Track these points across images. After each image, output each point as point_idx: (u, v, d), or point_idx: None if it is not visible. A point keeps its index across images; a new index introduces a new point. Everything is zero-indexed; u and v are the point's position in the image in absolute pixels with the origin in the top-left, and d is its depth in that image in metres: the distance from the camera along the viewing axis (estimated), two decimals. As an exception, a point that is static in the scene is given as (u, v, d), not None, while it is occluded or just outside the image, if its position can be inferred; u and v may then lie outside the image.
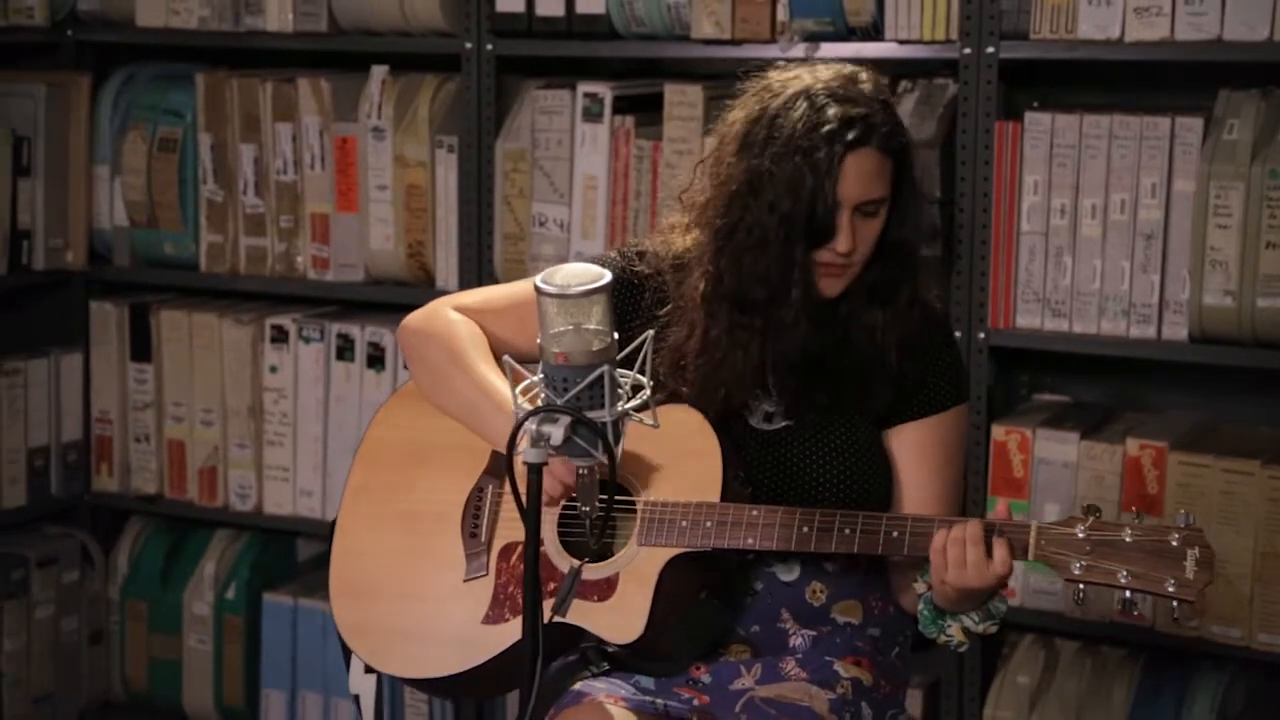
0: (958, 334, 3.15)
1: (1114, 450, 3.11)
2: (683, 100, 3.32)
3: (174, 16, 3.70)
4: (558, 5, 3.36)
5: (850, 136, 2.26)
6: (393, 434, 2.51)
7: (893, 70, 3.24)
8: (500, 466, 2.39)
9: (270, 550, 3.87)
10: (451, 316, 2.47)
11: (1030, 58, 3.10)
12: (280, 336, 3.71)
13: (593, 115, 3.38)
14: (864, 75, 2.35)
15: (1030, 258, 3.12)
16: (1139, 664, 3.18)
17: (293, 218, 3.67)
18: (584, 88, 3.39)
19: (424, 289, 3.55)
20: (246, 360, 3.75)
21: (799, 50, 3.22)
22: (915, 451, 2.39)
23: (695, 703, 2.26)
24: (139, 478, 3.90)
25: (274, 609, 3.79)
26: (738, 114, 2.34)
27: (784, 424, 2.38)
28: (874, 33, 3.18)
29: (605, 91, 3.37)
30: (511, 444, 1.92)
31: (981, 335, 3.17)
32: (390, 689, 2.80)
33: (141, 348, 3.86)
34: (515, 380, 1.97)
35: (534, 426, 1.90)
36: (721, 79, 3.37)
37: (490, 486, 2.42)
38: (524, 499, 1.92)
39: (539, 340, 1.95)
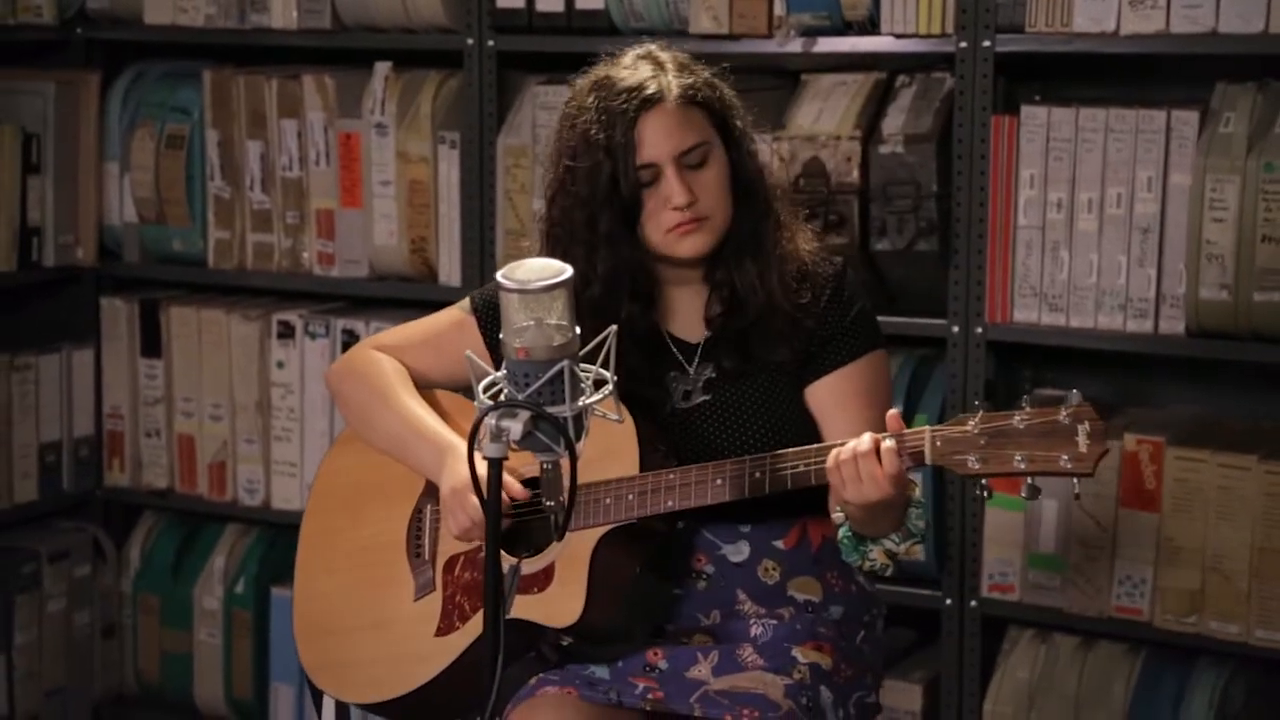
0: (955, 329, 3.16)
1: (1111, 445, 3.09)
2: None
3: (181, 14, 3.73)
4: (558, 1, 3.37)
5: (639, 99, 2.35)
6: (337, 479, 2.59)
7: (890, 64, 3.26)
8: (435, 489, 2.44)
9: (279, 545, 3.89)
10: (372, 355, 2.56)
11: (1026, 51, 3.09)
12: (287, 332, 3.73)
13: (593, 111, 3.38)
14: (655, 48, 2.46)
15: (1027, 252, 3.11)
16: (1138, 659, 3.16)
17: (298, 214, 3.69)
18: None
19: (427, 284, 3.57)
20: (254, 356, 3.78)
21: (796, 44, 3.22)
22: (835, 401, 2.42)
23: (650, 695, 2.28)
24: (150, 472, 3.93)
25: (282, 603, 3.81)
26: (556, 130, 2.46)
27: (702, 399, 2.43)
28: (870, 26, 3.18)
29: (605, 87, 3.37)
30: (472, 439, 1.93)
31: (979, 330, 3.16)
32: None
33: (151, 343, 3.89)
34: (477, 376, 1.98)
35: (494, 421, 1.90)
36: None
37: (428, 507, 2.49)
38: (484, 494, 1.93)
39: (501, 335, 1.96)
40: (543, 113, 3.43)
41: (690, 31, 3.28)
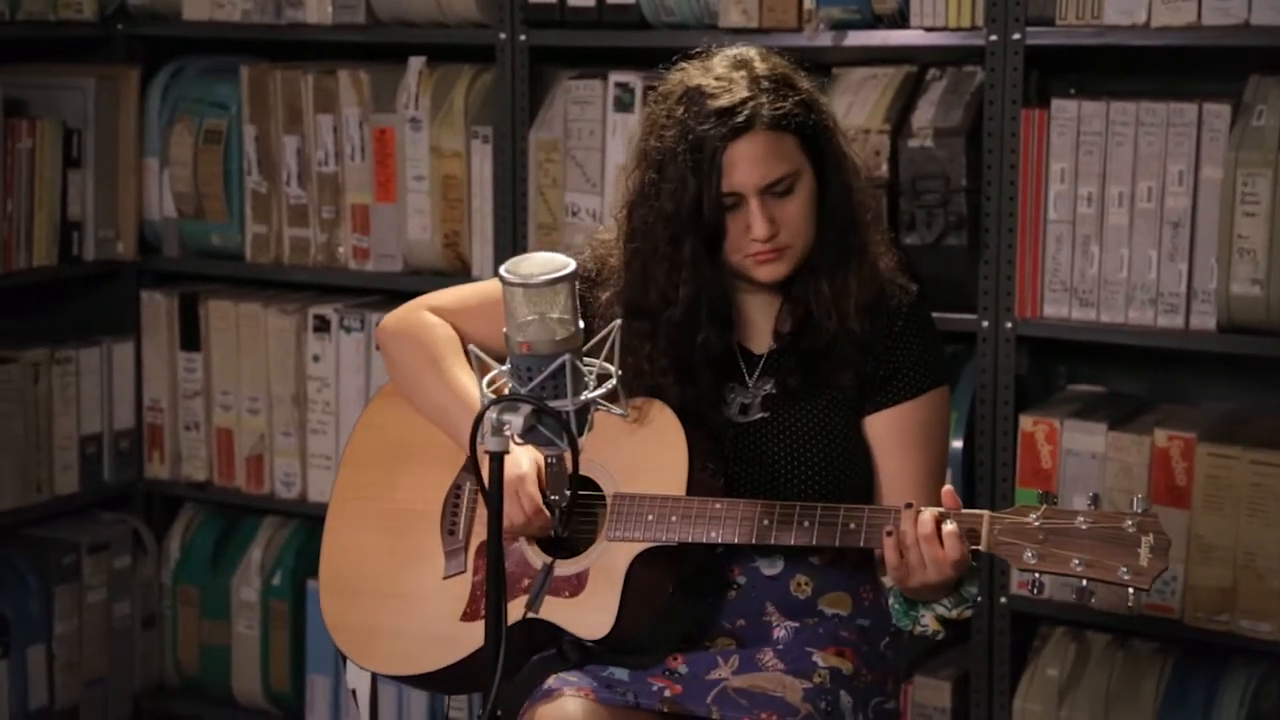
0: (984, 323, 3.14)
1: (1142, 441, 3.07)
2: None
3: (218, 10, 3.76)
4: (589, -5, 3.38)
5: (729, 127, 2.27)
6: (377, 433, 2.55)
7: (923, 58, 3.24)
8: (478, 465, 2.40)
9: (315, 538, 3.84)
10: (426, 319, 2.51)
11: (1056, 44, 3.06)
12: (322, 326, 3.75)
13: (624, 105, 3.39)
14: (755, 56, 2.36)
15: (1057, 246, 3.09)
16: (1170, 658, 3.14)
17: (334, 208, 3.71)
18: (615, 77, 3.39)
19: (461, 278, 3.56)
20: (290, 350, 3.80)
21: (826, 39, 3.21)
22: (892, 437, 2.38)
23: (666, 693, 2.26)
24: (189, 465, 3.96)
25: (319, 597, 3.82)
26: (641, 126, 2.39)
27: (759, 416, 2.39)
28: (900, 20, 3.16)
29: (636, 81, 3.38)
30: (475, 432, 1.93)
31: (1009, 325, 3.14)
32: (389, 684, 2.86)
33: (190, 337, 3.92)
34: (481, 371, 1.98)
35: (495, 415, 1.91)
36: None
37: (468, 484, 2.45)
38: (488, 489, 1.93)
39: (504, 330, 1.96)
40: (574, 107, 3.43)
41: (720, 25, 3.27)
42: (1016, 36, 3.06)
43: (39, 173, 3.74)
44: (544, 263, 1.94)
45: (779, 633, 2.34)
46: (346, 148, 3.67)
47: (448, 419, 2.40)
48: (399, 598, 2.43)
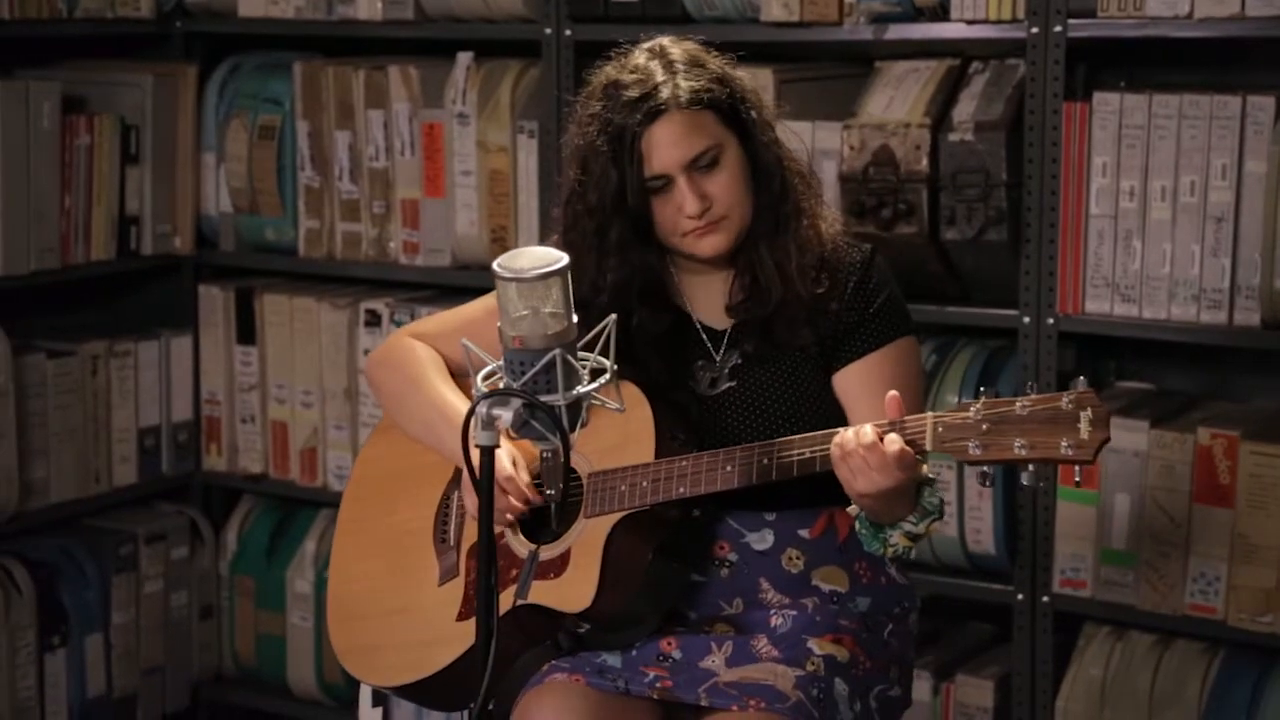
0: (1026, 319, 3.11)
1: (1185, 439, 3.03)
2: (753, 83, 3.29)
3: (273, 6, 3.79)
4: (633, -11, 3.38)
5: (643, 113, 2.32)
6: (374, 468, 2.62)
7: (968, 50, 3.21)
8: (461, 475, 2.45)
9: (368, 530, 3.93)
10: (407, 343, 2.59)
11: (1098, 36, 3.02)
12: (374, 320, 3.78)
13: (667, 99, 3.37)
14: (667, 42, 2.42)
15: (1099, 241, 3.05)
16: (1214, 659, 3.09)
17: (384, 203, 3.73)
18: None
19: (508, 273, 3.58)
20: (343, 343, 3.83)
21: (866, 32, 3.18)
22: (861, 389, 2.39)
23: (658, 684, 2.27)
24: (246, 457, 4.00)
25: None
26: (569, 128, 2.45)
27: (727, 386, 2.42)
28: (941, 13, 3.13)
29: (679, 75, 3.36)
30: (467, 425, 1.94)
31: (1050, 321, 3.10)
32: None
33: (246, 331, 3.96)
34: (475, 366, 1.98)
35: (486, 410, 1.91)
36: (792, 62, 3.36)
37: (455, 494, 2.50)
38: (477, 482, 1.94)
39: (499, 325, 1.97)
40: (618, 102, 3.43)
41: (761, 19, 3.26)
42: (1058, 29, 3.03)
43: (98, 168, 3.79)
44: (537, 257, 1.95)
45: (776, 620, 2.35)
46: (396, 143, 3.70)
47: (433, 434, 2.46)
48: (399, 613, 2.48)
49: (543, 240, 3.51)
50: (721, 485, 2.28)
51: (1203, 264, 2.97)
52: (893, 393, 2.22)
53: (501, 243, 3.59)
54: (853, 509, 2.29)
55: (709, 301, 2.46)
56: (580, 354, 1.96)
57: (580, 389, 1.94)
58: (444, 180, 3.64)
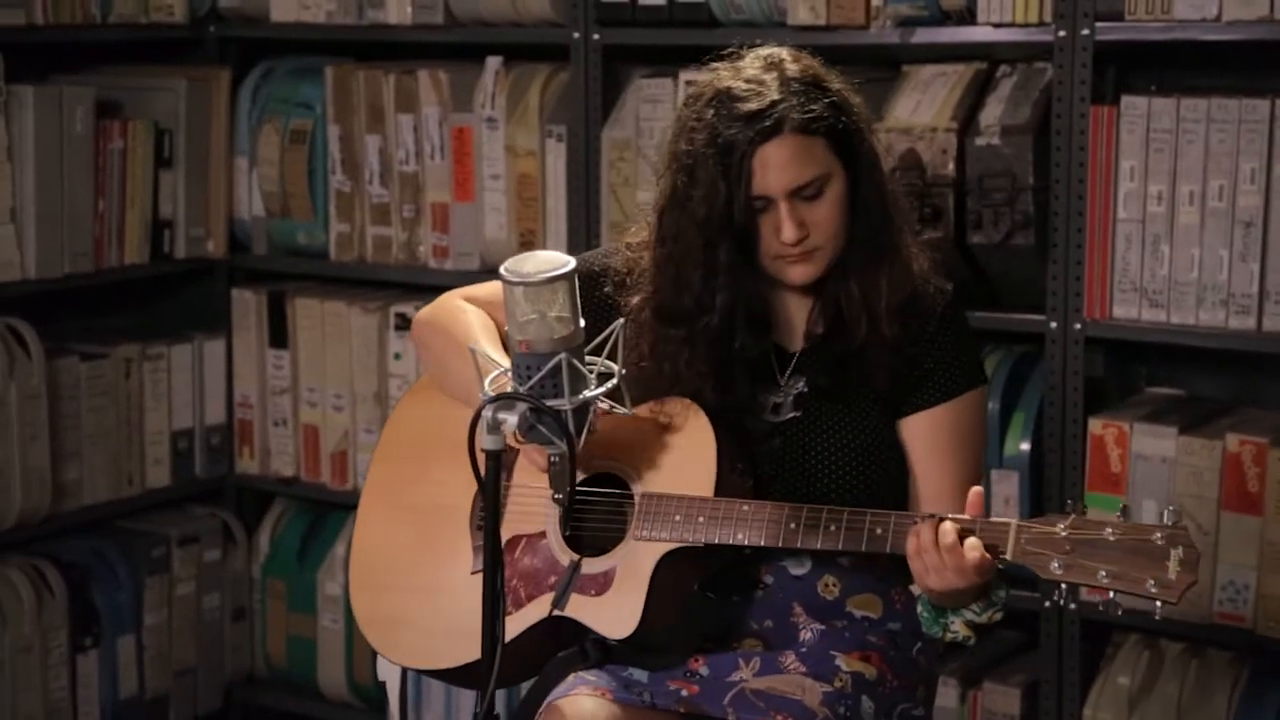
0: (1053, 324, 3.09)
1: (1213, 446, 3.00)
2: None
3: (304, 11, 3.81)
4: (660, -6, 3.37)
5: (756, 131, 2.25)
6: (407, 429, 2.54)
7: (998, 53, 3.19)
8: (509, 459, 2.39)
9: (398, 533, 3.94)
10: (459, 305, 2.51)
11: (1126, 39, 3.00)
12: (404, 324, 3.78)
13: (695, 104, 3.37)
14: (786, 56, 2.33)
15: (1126, 246, 3.03)
16: (1245, 669, 3.06)
17: (414, 207, 3.74)
18: (685, 76, 3.38)
19: (536, 277, 3.59)
20: (373, 347, 3.84)
21: (893, 35, 3.17)
22: (927, 440, 2.35)
23: (683, 694, 2.25)
24: (278, 461, 4.02)
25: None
26: (671, 128, 2.37)
27: (791, 415, 2.36)
28: (968, 16, 3.12)
29: (707, 79, 3.36)
30: (472, 432, 1.94)
31: (1077, 326, 3.08)
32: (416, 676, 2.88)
33: (278, 334, 3.97)
34: (483, 371, 1.98)
35: (491, 414, 1.91)
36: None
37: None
38: (484, 484, 1.93)
39: (507, 328, 1.96)
40: (646, 105, 3.43)
41: (788, 23, 3.25)
42: (1085, 32, 3.01)
43: (131, 172, 3.82)
44: (545, 261, 1.94)
45: (805, 635, 2.32)
46: (426, 147, 3.70)
47: (476, 399, 2.38)
48: (428, 591, 2.42)
49: (571, 244, 3.52)
50: (784, 543, 2.23)
51: (1231, 269, 2.95)
52: (977, 489, 2.17)
53: (530, 246, 3.59)
54: (914, 588, 2.26)
55: (785, 322, 2.40)
56: (588, 358, 1.95)
57: (586, 393, 1.93)
58: (473, 184, 3.65)
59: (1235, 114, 2.92)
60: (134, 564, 3.87)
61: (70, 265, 3.71)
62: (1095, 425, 3.08)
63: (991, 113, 3.10)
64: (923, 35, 3.15)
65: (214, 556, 4.03)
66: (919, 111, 3.16)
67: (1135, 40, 3.00)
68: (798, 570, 2.34)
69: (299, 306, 3.93)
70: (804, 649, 2.31)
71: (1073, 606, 3.13)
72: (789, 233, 2.27)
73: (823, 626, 2.33)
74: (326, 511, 4.05)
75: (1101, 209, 3.03)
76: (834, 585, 2.34)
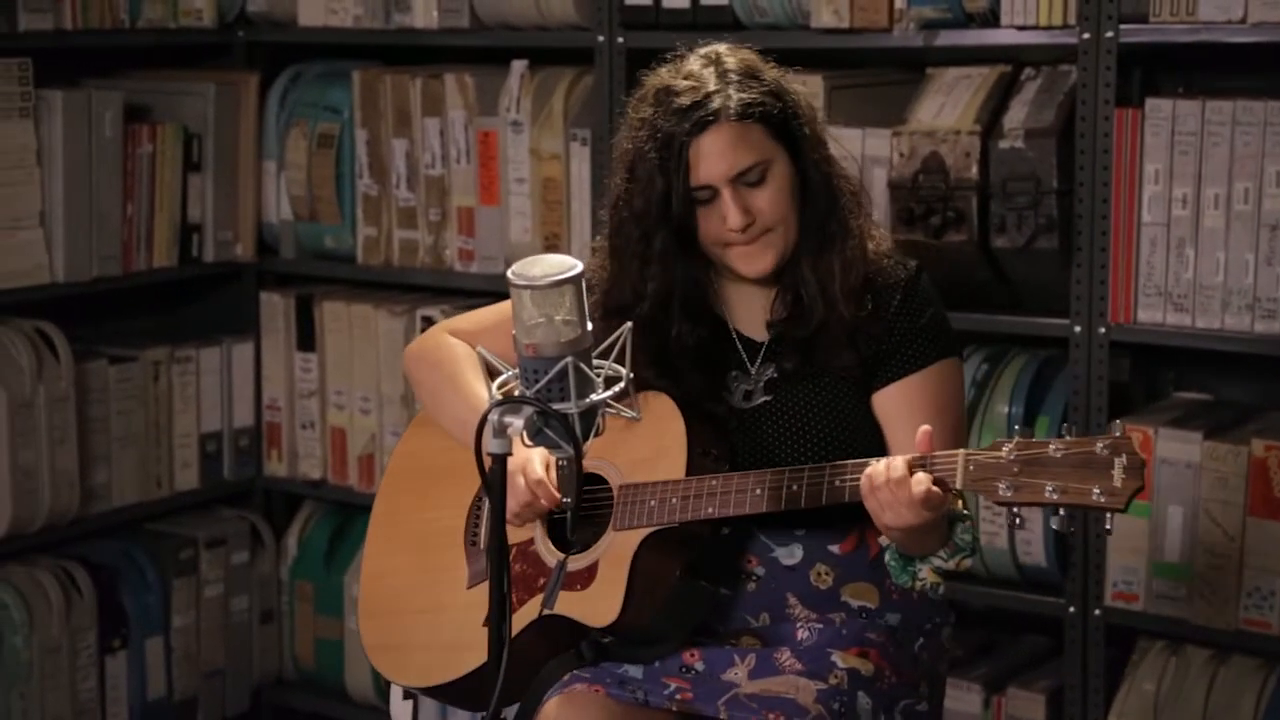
0: (1077, 329, 3.07)
1: (1238, 451, 2.98)
2: (804, 90, 3.27)
3: (332, 15, 3.82)
4: (684, -3, 3.37)
5: (693, 122, 2.29)
6: (409, 461, 2.62)
7: (1016, 57, 3.18)
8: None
9: (425, 536, 3.94)
10: (443, 339, 2.58)
11: (1150, 41, 2.98)
12: (430, 327, 3.79)
13: (718, 107, 3.36)
14: (723, 50, 2.39)
15: (1151, 250, 3.01)
16: (1271, 675, 3.03)
17: (440, 211, 3.75)
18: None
19: (561, 281, 3.59)
20: (400, 350, 3.83)
21: (917, 38, 3.16)
22: (900, 411, 2.35)
23: (678, 695, 2.25)
24: (306, 463, 4.03)
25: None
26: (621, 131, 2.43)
27: (762, 400, 2.39)
28: (991, 19, 3.10)
29: (731, 83, 3.35)
30: (479, 434, 1.94)
31: (1102, 330, 3.06)
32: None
33: (306, 338, 3.99)
34: (490, 374, 1.98)
35: (498, 417, 1.91)
36: (842, 68, 3.34)
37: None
38: (490, 489, 1.93)
39: (514, 333, 1.96)
40: (670, 109, 3.42)
41: (812, 26, 3.24)
42: (1109, 34, 2.99)
43: (160, 176, 3.83)
44: (551, 265, 1.94)
45: (802, 633, 2.33)
46: (452, 151, 3.71)
47: (467, 433, 2.41)
48: (429, 612, 2.48)
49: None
50: (750, 509, 2.25)
51: (1257, 273, 2.93)
52: (925, 427, 2.18)
53: (555, 250, 3.59)
54: (883, 539, 2.27)
55: (749, 312, 2.44)
56: (595, 361, 1.95)
57: (594, 397, 1.93)
58: (498, 188, 3.65)
59: (1261, 116, 2.90)
60: (162, 566, 3.88)
61: (99, 269, 3.73)
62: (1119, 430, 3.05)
63: (1015, 115, 3.08)
64: (946, 38, 3.14)
65: (242, 559, 4.04)
66: (942, 114, 3.14)
67: (1160, 42, 2.98)
68: (789, 561, 2.36)
69: (326, 310, 3.94)
70: (801, 646, 2.32)
71: (1097, 613, 3.12)
72: (734, 219, 2.30)
73: (820, 624, 2.33)
74: (353, 514, 4.05)
75: (1126, 212, 3.02)
76: (826, 574, 2.36)
